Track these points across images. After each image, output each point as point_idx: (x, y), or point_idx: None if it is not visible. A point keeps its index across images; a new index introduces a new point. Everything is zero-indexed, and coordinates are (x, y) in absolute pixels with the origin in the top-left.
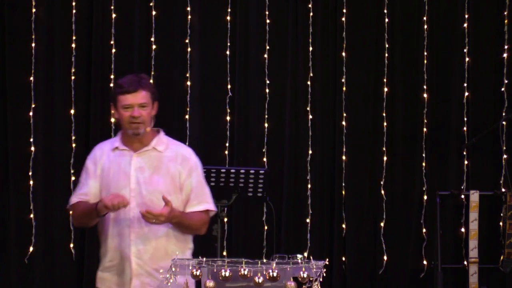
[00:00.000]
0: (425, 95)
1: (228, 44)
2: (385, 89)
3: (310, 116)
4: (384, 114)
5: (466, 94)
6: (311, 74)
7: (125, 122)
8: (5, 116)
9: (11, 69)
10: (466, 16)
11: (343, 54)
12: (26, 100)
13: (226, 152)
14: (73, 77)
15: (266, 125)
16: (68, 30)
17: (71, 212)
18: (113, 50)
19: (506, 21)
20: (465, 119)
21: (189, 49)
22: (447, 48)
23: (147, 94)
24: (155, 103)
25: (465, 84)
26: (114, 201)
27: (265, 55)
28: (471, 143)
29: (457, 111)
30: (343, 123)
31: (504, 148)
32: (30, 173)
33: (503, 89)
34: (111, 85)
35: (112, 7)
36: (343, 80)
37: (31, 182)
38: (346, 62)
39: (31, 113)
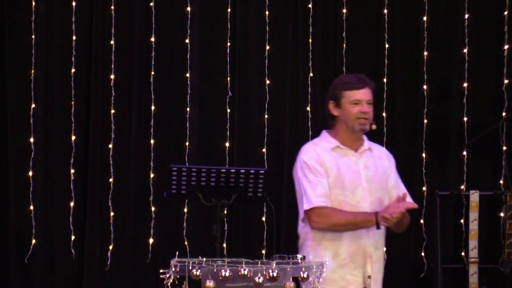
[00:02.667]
0: (425, 95)
1: (228, 44)
2: (385, 89)
3: (310, 116)
4: (384, 114)
5: (466, 94)
6: (311, 74)
7: (352, 118)
8: (5, 115)
9: (11, 66)
10: (466, 15)
11: (343, 53)
12: (26, 98)
13: (226, 152)
14: (73, 76)
15: (266, 125)
16: (68, 28)
17: (320, 216)
18: (113, 49)
19: (506, 21)
20: (465, 119)
21: (189, 49)
22: (447, 48)
23: (371, 92)
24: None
25: (465, 84)
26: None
27: (265, 55)
28: (471, 143)
29: (457, 111)
30: None
31: (504, 148)
32: (30, 173)
33: (503, 89)
34: (111, 84)
35: (112, 7)
36: None
37: (31, 182)
38: (346, 61)
39: (31, 113)
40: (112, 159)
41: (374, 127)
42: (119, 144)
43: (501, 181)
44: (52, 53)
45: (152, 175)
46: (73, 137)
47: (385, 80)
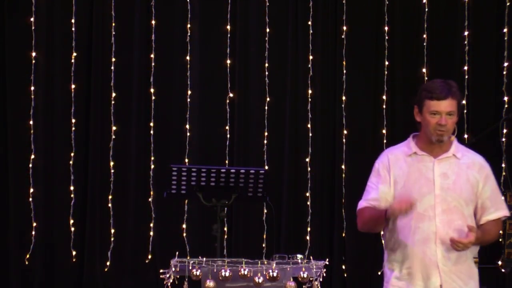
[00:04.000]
0: None
1: (228, 42)
2: (385, 89)
3: (310, 117)
4: (384, 114)
5: (466, 93)
6: (311, 74)
7: (430, 128)
8: (5, 117)
9: (11, 75)
10: (466, 16)
11: (343, 55)
12: (27, 104)
13: (226, 152)
14: (73, 83)
15: (266, 125)
16: (68, 37)
17: (358, 216)
18: (113, 58)
19: (506, 20)
20: (465, 119)
21: (189, 49)
22: (447, 48)
23: (455, 103)
24: (458, 112)
25: (465, 84)
26: (402, 206)
27: (265, 55)
28: (471, 143)
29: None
30: (343, 123)
31: (504, 148)
32: (30, 173)
33: (503, 89)
34: (111, 92)
35: (112, 14)
36: (343, 80)
37: (32, 182)
38: (346, 63)
39: (31, 113)
40: (112, 159)
41: (452, 138)
42: (119, 144)
43: (501, 181)
44: (52, 65)
45: (152, 175)
46: (73, 136)
47: (385, 80)
